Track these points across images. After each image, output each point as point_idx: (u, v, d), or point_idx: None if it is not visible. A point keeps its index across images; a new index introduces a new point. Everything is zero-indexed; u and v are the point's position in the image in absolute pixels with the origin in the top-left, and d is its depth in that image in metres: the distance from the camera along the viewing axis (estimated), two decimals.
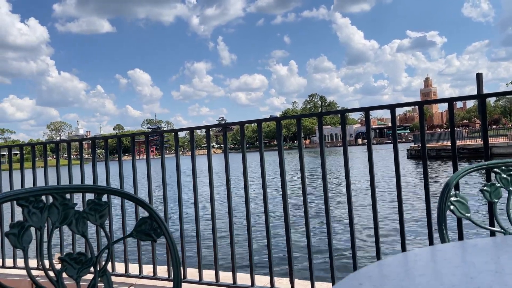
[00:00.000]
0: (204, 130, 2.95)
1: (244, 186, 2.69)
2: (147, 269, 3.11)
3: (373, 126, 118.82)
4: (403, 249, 2.22)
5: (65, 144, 3.57)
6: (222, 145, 2.83)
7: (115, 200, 2.18)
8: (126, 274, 3.11)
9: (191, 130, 2.95)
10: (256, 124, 2.74)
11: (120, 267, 3.23)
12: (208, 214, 2.89)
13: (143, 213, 1.28)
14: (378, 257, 2.29)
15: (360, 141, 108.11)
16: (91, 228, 1.39)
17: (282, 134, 2.66)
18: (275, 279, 2.64)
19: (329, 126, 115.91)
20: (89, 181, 3.22)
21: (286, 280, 2.70)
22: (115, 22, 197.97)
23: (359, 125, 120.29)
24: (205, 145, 3.01)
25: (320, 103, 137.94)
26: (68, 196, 1.15)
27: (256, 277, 2.72)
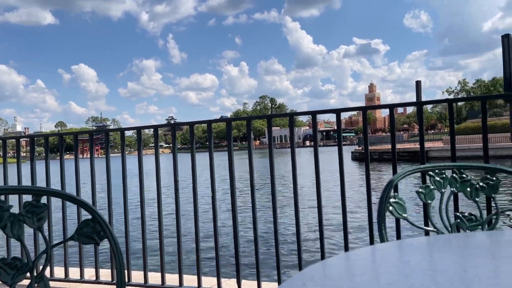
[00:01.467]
0: (152, 129, 2.88)
1: (193, 188, 2.66)
2: (89, 273, 2.99)
3: (320, 129, 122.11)
4: (346, 248, 2.31)
5: (0, 141, 3.33)
6: (171, 145, 2.79)
7: (57, 202, 2.08)
8: (66, 279, 2.97)
9: (139, 129, 2.87)
10: (203, 123, 2.72)
11: (59, 272, 3.07)
12: (155, 216, 2.83)
13: (86, 215, 1.23)
14: (322, 256, 2.36)
15: (308, 143, 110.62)
16: (29, 231, 1.32)
17: (232, 135, 2.67)
18: (222, 280, 2.64)
19: (278, 127, 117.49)
20: (27, 181, 3.04)
21: (233, 281, 2.71)
22: (58, 14, 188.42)
23: (307, 128, 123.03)
24: (152, 145, 2.95)
25: (270, 105, 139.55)
26: (3, 197, 1.09)
27: (204, 278, 2.70)
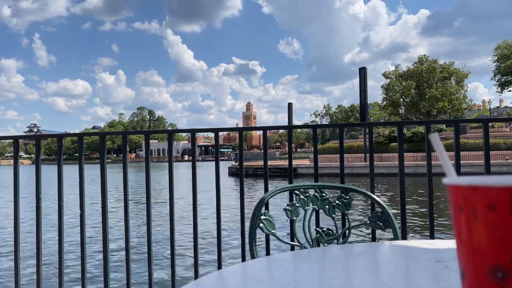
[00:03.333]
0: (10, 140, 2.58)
1: (58, 206, 2.45)
2: None
3: (199, 144, 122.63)
4: (219, 265, 2.37)
5: None
6: (32, 155, 2.53)
7: None
8: None
9: None
10: (74, 136, 2.54)
11: None
12: (11, 236, 2.52)
13: None
14: (196, 274, 2.37)
15: (186, 157, 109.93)
16: None
17: (106, 147, 2.55)
18: None
19: (156, 141, 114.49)
20: None
21: None
22: None
23: (186, 142, 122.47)
24: (8, 154, 2.65)
25: (148, 117, 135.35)
26: None
27: None
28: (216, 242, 2.40)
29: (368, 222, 1.65)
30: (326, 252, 1.25)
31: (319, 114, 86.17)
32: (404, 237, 1.82)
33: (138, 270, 6.03)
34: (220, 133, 2.56)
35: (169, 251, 2.42)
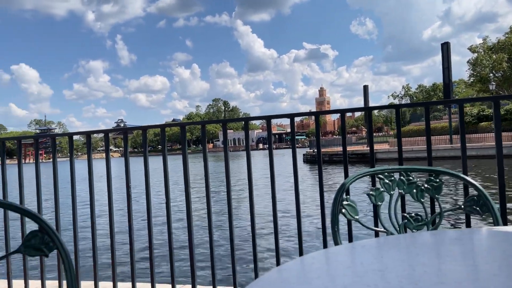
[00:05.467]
0: (102, 133, 2.79)
1: (146, 193, 2.60)
2: (34, 285, 2.83)
3: (273, 132, 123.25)
4: (301, 252, 2.35)
5: None
6: (120, 148, 2.71)
7: None
8: None
9: (88, 134, 2.77)
10: (157, 128, 2.67)
11: (2, 284, 2.89)
12: (106, 223, 2.73)
13: (30, 223, 1.17)
14: (278, 262, 2.38)
15: (261, 146, 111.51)
16: None
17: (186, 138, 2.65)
18: (177, 286, 2.60)
19: (232, 130, 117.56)
20: None
21: (188, 286, 2.67)
22: None
23: (260, 131, 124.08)
24: (101, 148, 2.88)
25: (223, 107, 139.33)
26: None
27: (158, 286, 2.65)
28: (297, 231, 2.37)
29: (463, 206, 1.51)
30: (416, 239, 1.17)
31: (398, 96, 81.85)
32: (505, 223, 1.65)
33: (220, 256, 6.25)
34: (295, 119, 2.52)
35: (251, 239, 2.45)
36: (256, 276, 2.41)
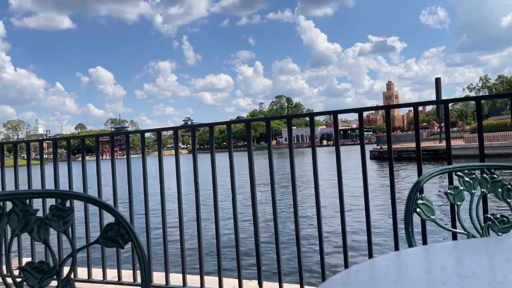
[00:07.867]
0: (170, 130, 2.89)
1: (213, 188, 2.65)
2: (111, 274, 3.02)
3: (339, 128, 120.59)
4: (370, 253, 2.25)
5: (23, 144, 3.40)
6: (188, 145, 2.80)
7: (77, 203, 2.10)
8: (89, 280, 3.01)
9: (159, 131, 2.89)
10: (223, 124, 2.72)
11: (82, 273, 3.11)
12: (176, 217, 2.83)
13: (107, 216, 1.23)
14: (345, 263, 2.30)
15: (325, 142, 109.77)
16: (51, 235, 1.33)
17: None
18: (244, 281, 2.62)
19: (295, 127, 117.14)
20: (49, 182, 3.09)
21: (255, 282, 2.69)
22: (75, 18, 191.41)
23: (324, 127, 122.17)
24: (170, 145, 2.98)
25: (286, 104, 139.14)
26: (28, 201, 1.09)
27: (225, 279, 2.69)
28: (366, 230, 2.28)
29: None
30: (505, 242, 1.06)
31: (474, 88, 76.22)
32: None
33: (287, 255, 6.23)
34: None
35: (317, 237, 2.40)
36: (323, 274, 2.36)
